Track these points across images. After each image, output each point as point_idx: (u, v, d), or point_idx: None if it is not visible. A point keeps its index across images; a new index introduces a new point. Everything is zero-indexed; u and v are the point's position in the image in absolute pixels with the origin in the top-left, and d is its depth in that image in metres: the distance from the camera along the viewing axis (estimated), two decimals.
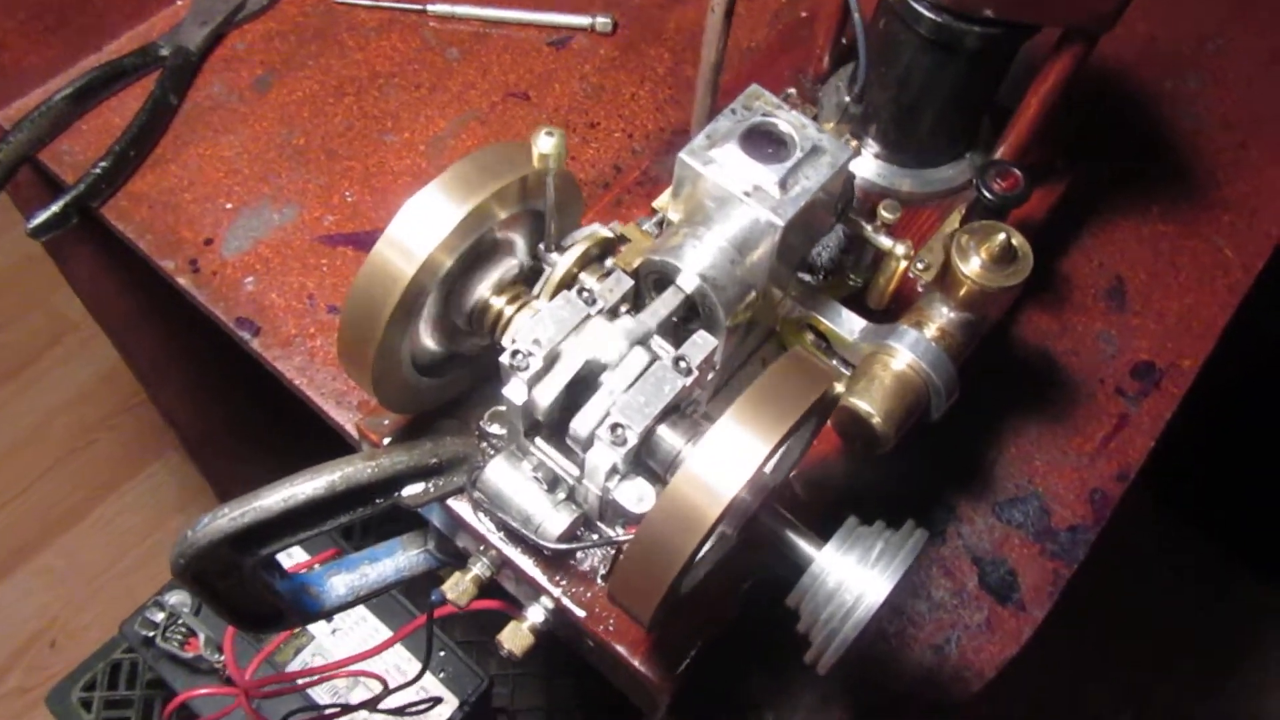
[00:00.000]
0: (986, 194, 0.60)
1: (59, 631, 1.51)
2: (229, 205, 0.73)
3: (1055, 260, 0.74)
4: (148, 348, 1.00)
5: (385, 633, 1.00)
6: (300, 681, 0.94)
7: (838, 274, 0.61)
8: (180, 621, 0.97)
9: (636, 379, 0.50)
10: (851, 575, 0.46)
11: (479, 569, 0.59)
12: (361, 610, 1.00)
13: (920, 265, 0.63)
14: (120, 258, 0.77)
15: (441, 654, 1.00)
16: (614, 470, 0.49)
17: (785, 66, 0.73)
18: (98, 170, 0.72)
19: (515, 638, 0.58)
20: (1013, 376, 0.70)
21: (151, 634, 0.96)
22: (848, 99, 0.58)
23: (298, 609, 0.64)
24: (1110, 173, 0.78)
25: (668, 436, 0.49)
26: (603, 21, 0.82)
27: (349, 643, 0.99)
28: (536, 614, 0.58)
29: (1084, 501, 0.66)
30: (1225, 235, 0.78)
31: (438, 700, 0.98)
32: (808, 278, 0.60)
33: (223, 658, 0.93)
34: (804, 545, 0.48)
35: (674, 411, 0.50)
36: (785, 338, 0.60)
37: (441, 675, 1.00)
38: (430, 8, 0.82)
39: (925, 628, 0.62)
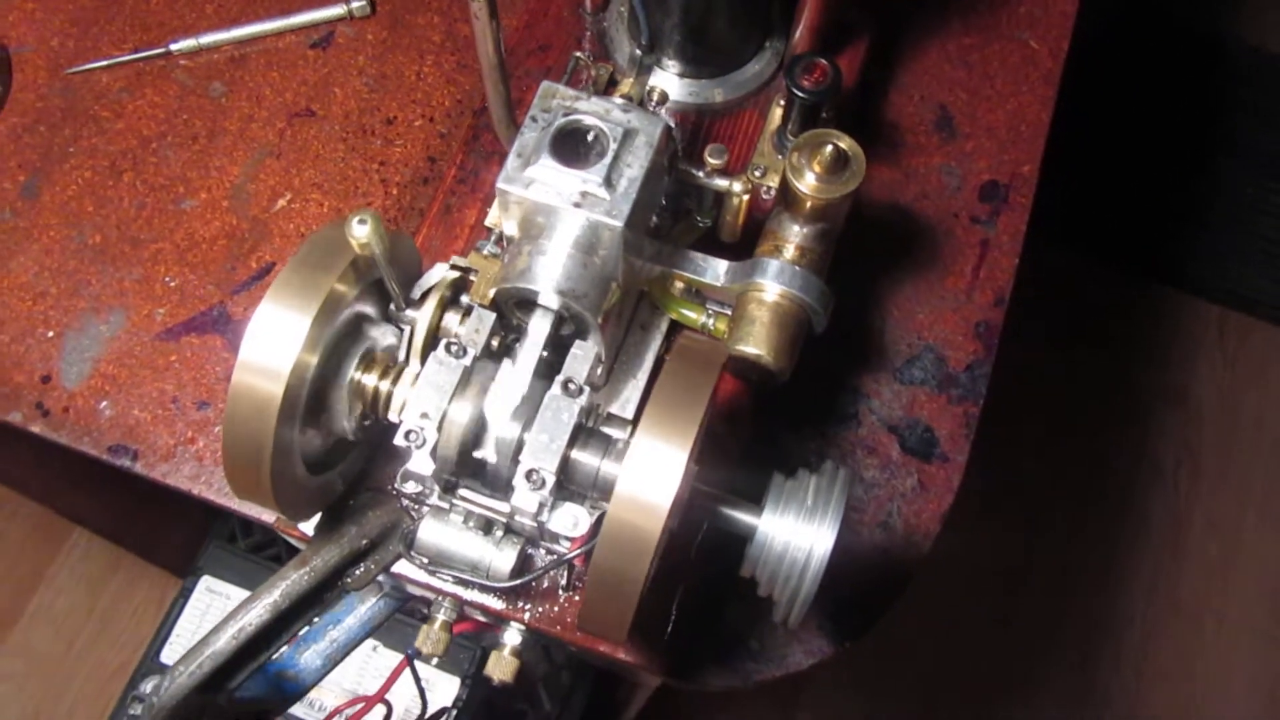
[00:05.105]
0: (799, 93, 0.60)
1: None
2: (50, 334, 0.68)
3: (880, 111, 0.75)
4: (35, 485, 0.95)
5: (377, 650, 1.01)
6: None
7: (685, 218, 0.61)
8: None
9: (533, 415, 0.50)
10: (795, 533, 0.48)
11: (444, 614, 0.60)
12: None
13: (758, 173, 0.63)
14: None
15: None
16: (541, 507, 0.50)
17: (562, 5, 0.69)
18: None
19: (501, 666, 0.59)
20: (875, 242, 0.71)
21: None
22: (638, 51, 0.56)
23: (282, 699, 0.64)
24: (904, 5, 0.77)
25: (583, 460, 0.50)
26: (359, 5, 0.76)
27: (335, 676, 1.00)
28: (513, 637, 0.59)
29: (972, 338, 0.69)
30: (1026, 26, 0.79)
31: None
32: (656, 223, 0.60)
33: None
34: (742, 516, 0.49)
35: (580, 433, 0.50)
36: (656, 297, 0.60)
37: (435, 661, 1.02)
38: (174, 46, 0.75)
39: (868, 509, 0.65)
